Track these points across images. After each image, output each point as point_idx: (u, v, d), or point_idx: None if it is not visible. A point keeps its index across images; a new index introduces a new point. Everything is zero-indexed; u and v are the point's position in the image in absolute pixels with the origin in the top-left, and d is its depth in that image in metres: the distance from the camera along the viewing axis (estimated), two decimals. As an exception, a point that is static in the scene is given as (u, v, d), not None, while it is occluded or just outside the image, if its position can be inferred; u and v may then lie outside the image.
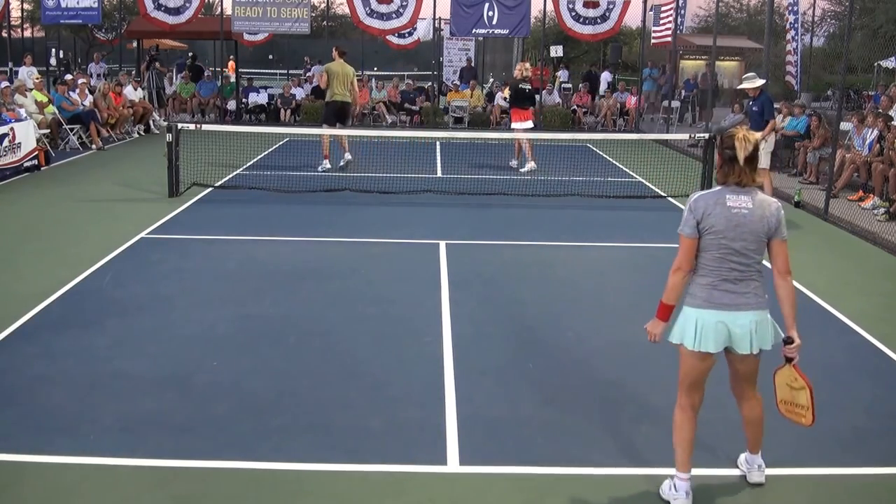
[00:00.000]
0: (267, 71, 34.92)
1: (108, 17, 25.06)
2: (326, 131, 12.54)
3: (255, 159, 13.60)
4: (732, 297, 3.48)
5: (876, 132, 11.38)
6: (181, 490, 3.69)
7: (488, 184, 11.41)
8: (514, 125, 13.25)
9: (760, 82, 10.47)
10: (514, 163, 13.60)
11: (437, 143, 16.10)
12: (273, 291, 6.59)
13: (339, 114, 12.56)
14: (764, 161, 10.37)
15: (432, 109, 20.16)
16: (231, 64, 23.56)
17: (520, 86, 13.21)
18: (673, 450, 3.66)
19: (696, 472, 3.92)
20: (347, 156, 12.71)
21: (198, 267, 7.31)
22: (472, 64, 24.46)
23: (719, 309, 3.49)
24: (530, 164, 13.09)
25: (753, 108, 10.65)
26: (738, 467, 3.94)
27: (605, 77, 24.63)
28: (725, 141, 3.49)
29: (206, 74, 22.06)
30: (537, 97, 20.41)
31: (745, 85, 10.58)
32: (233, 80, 21.73)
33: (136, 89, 17.82)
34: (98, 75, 20.74)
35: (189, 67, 22.56)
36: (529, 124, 13.30)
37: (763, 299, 3.54)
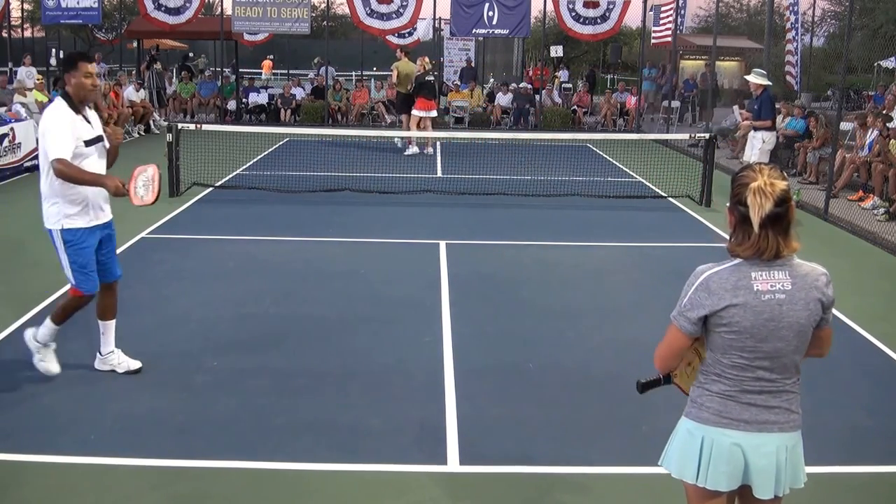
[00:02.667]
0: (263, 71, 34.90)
1: (108, 17, 25.08)
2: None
3: (255, 159, 13.60)
4: (755, 413, 2.46)
5: (876, 132, 11.38)
6: (181, 490, 3.69)
7: (488, 184, 11.41)
8: (416, 112, 14.54)
9: (766, 82, 10.44)
10: (409, 148, 14.87)
11: (437, 143, 16.09)
12: (273, 291, 6.59)
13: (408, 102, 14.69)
14: (759, 158, 10.29)
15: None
16: (267, 63, 23.60)
17: (426, 78, 14.69)
18: None
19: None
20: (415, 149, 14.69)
21: (198, 267, 7.31)
22: (472, 64, 24.45)
23: (738, 429, 2.46)
24: (413, 149, 14.69)
25: (754, 107, 10.68)
26: None
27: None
28: (736, 190, 2.40)
29: (206, 74, 22.06)
30: (536, 97, 20.50)
31: (750, 77, 10.58)
32: (233, 79, 21.74)
33: (137, 90, 17.81)
34: (100, 75, 20.73)
35: (181, 66, 22.57)
36: (433, 113, 14.98)
37: (798, 415, 2.53)
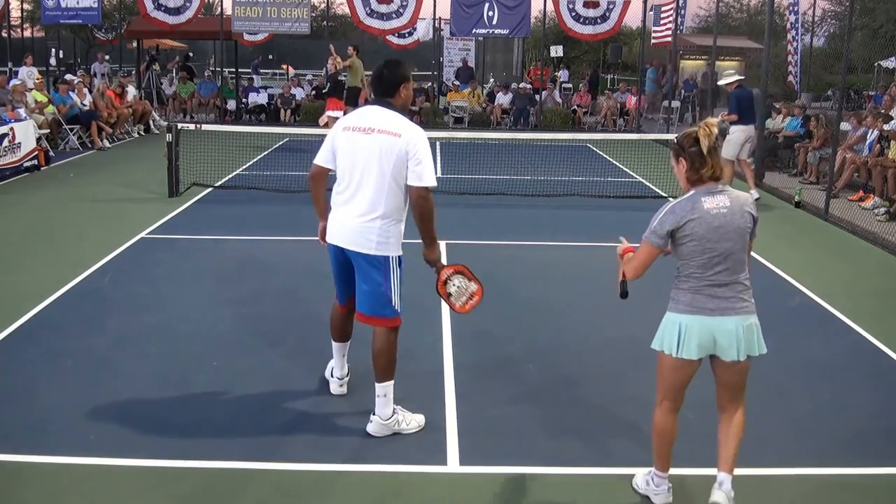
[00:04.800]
0: (267, 71, 34.91)
1: (108, 17, 25.07)
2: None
3: (255, 159, 13.60)
4: (718, 302, 3.35)
5: (876, 132, 11.38)
6: (181, 490, 3.69)
7: (488, 184, 11.41)
8: (328, 112, 14.43)
9: (733, 78, 11.05)
10: None
11: (437, 143, 16.09)
12: (273, 291, 6.59)
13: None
14: (726, 151, 10.66)
15: (432, 109, 20.16)
16: (285, 66, 23.66)
17: (339, 77, 14.87)
18: (653, 449, 3.64)
19: (691, 471, 3.93)
20: None
21: (198, 267, 7.31)
22: (469, 64, 24.43)
23: (703, 314, 3.37)
24: None
25: (731, 103, 11.20)
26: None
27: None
28: (686, 141, 3.35)
29: (206, 74, 22.07)
30: (537, 97, 20.50)
31: (721, 82, 11.42)
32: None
33: (125, 86, 17.72)
34: (102, 75, 20.75)
35: (182, 66, 22.57)
36: (341, 113, 14.72)
37: (750, 303, 3.41)
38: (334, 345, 4.64)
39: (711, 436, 4.28)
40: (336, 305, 4.53)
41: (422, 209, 4.14)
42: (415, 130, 4.11)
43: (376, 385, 4.21)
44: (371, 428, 4.22)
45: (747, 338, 3.39)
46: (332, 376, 4.74)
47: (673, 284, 3.50)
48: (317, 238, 4.48)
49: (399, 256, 4.29)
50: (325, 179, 4.33)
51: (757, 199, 10.89)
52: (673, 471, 3.93)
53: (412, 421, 4.29)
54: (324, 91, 14.90)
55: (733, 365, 3.43)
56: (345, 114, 13.76)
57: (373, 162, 4.06)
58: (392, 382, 4.22)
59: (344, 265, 4.30)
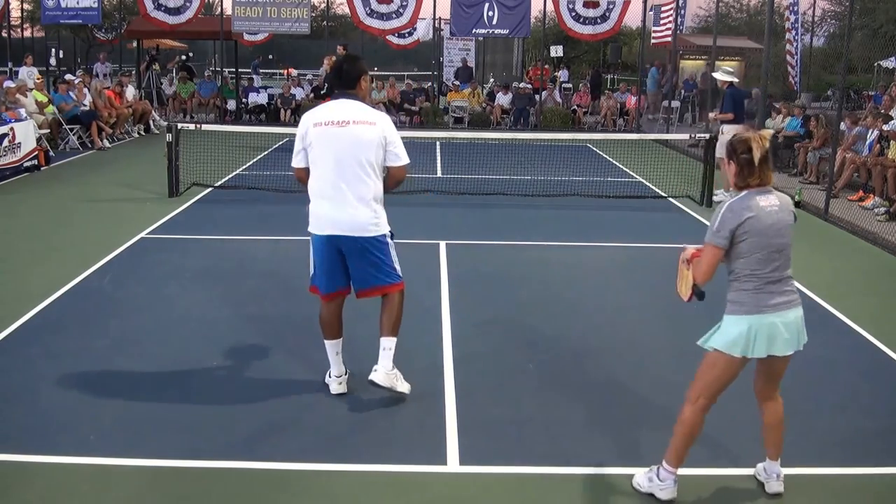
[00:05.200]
0: (267, 71, 34.93)
1: (108, 17, 25.07)
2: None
3: (255, 159, 13.60)
4: (778, 298, 3.47)
5: (876, 132, 11.38)
6: (181, 490, 3.69)
7: (488, 184, 11.41)
8: None
9: (731, 78, 11.20)
10: None
11: (437, 143, 16.09)
12: (273, 291, 6.59)
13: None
14: (721, 150, 10.64)
15: (432, 109, 20.16)
16: (290, 69, 23.73)
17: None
18: (672, 443, 3.65)
19: (696, 471, 3.93)
20: None
21: (198, 267, 7.31)
22: (469, 64, 24.42)
23: (770, 312, 3.45)
24: None
25: (726, 101, 11.28)
26: (755, 476, 3.87)
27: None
28: (739, 145, 3.46)
29: (206, 74, 22.07)
30: (537, 97, 20.49)
31: (717, 75, 11.48)
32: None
33: (125, 86, 17.73)
34: (104, 75, 20.76)
35: (182, 66, 22.58)
36: None
37: (798, 295, 3.56)
38: (329, 344, 4.69)
39: (712, 436, 4.29)
40: (324, 305, 4.62)
41: (399, 181, 4.57)
42: (385, 117, 4.50)
43: (385, 339, 4.52)
44: (378, 377, 4.47)
45: (801, 329, 3.56)
46: (330, 377, 4.75)
47: (730, 287, 3.54)
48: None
49: (390, 231, 4.59)
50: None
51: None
52: (679, 471, 3.92)
53: (403, 384, 4.60)
54: (322, 93, 14.88)
55: (786, 357, 3.56)
56: None
57: (355, 152, 4.33)
58: (396, 338, 4.56)
59: (337, 254, 4.47)
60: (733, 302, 3.53)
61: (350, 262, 4.49)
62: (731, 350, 3.49)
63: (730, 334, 3.50)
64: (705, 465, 3.99)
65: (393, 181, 4.53)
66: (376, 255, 4.48)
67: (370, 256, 4.47)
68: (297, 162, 4.53)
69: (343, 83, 4.47)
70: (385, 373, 4.48)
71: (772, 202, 3.46)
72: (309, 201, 4.52)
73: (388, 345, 4.52)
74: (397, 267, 4.62)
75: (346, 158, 4.34)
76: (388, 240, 4.57)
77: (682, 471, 3.93)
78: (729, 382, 3.58)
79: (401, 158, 4.46)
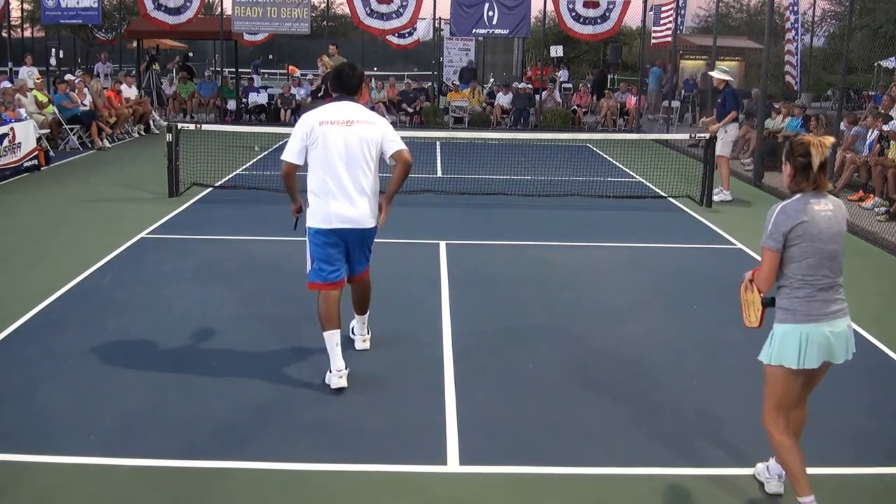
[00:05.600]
0: (268, 71, 34.93)
1: (108, 17, 25.08)
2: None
3: (255, 159, 13.60)
4: (830, 306, 3.38)
5: (876, 132, 11.38)
6: (181, 490, 3.69)
7: (488, 184, 11.41)
8: None
9: (728, 77, 11.17)
10: None
11: (437, 143, 16.10)
12: (273, 291, 6.59)
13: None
14: (721, 149, 10.90)
15: (432, 109, 20.16)
16: (292, 67, 23.83)
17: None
18: (789, 475, 3.51)
19: (695, 471, 3.93)
20: None
21: (198, 267, 7.31)
22: (472, 66, 24.42)
23: (821, 320, 3.37)
24: None
25: (718, 101, 11.27)
26: (754, 476, 3.85)
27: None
28: (797, 148, 3.40)
29: (206, 74, 22.08)
30: (537, 97, 20.50)
31: (714, 74, 11.38)
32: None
33: (130, 86, 17.77)
34: (105, 75, 20.76)
35: (182, 66, 22.58)
36: None
37: (846, 303, 3.47)
38: (329, 335, 4.78)
39: (713, 435, 4.29)
40: (326, 294, 4.79)
41: (408, 166, 4.82)
42: (380, 117, 5.01)
43: (362, 317, 5.32)
44: (366, 345, 5.34)
45: (850, 338, 3.47)
46: (331, 372, 4.77)
47: (780, 294, 3.45)
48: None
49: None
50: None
51: (729, 201, 10.92)
52: (677, 470, 3.94)
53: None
54: (319, 95, 14.92)
55: (829, 365, 3.48)
56: None
57: (361, 149, 4.70)
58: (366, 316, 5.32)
59: (342, 245, 4.81)
60: (784, 310, 3.43)
61: (351, 251, 4.87)
62: (786, 362, 3.39)
63: (782, 346, 3.40)
64: (706, 465, 3.99)
65: (403, 164, 4.79)
66: (369, 244, 5.00)
67: (368, 244, 4.97)
68: (292, 157, 4.71)
69: (347, 89, 4.83)
70: (367, 337, 5.37)
71: (826, 207, 3.38)
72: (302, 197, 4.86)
73: (365, 319, 5.36)
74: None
75: (354, 154, 4.68)
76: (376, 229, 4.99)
77: (682, 471, 3.94)
78: (796, 395, 3.48)
79: (400, 143, 4.82)
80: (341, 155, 4.65)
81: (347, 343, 5.45)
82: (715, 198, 10.75)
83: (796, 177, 3.41)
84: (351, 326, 5.41)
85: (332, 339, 4.76)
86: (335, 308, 4.79)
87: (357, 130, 4.68)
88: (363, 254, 4.97)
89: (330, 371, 4.77)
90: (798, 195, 3.42)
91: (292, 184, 4.86)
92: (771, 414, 3.49)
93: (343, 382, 4.73)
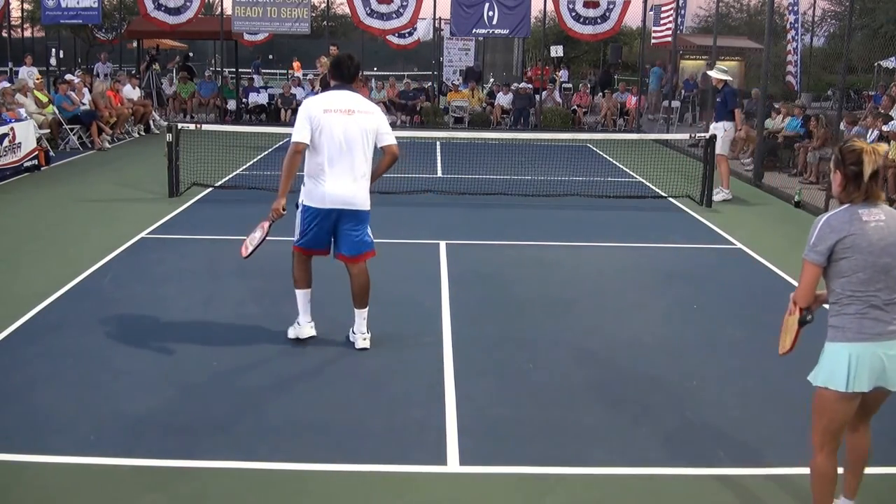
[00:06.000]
0: (268, 71, 34.93)
1: (108, 17, 25.07)
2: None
3: (255, 159, 13.60)
4: (883, 326, 3.10)
5: (876, 132, 11.37)
6: (181, 490, 3.69)
7: (488, 184, 11.41)
8: None
9: (728, 77, 11.25)
10: None
11: (438, 143, 16.10)
12: (273, 291, 6.59)
13: None
14: (721, 148, 10.96)
15: (432, 109, 20.16)
16: (297, 64, 23.83)
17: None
18: (812, 495, 3.34)
19: (695, 471, 3.93)
20: None
21: (198, 267, 7.31)
22: (479, 68, 24.41)
23: (873, 340, 3.09)
24: None
25: (717, 100, 11.33)
26: None
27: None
28: (849, 156, 3.14)
29: (206, 74, 22.07)
30: (537, 97, 20.50)
31: (713, 73, 11.43)
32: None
33: (133, 87, 17.80)
34: (105, 75, 20.75)
35: (182, 66, 22.58)
36: None
37: None
38: (302, 293, 5.40)
39: (713, 435, 4.29)
40: (300, 256, 5.37)
41: (395, 158, 5.28)
42: (377, 107, 5.29)
43: (362, 311, 5.34)
44: (367, 343, 5.34)
45: None
46: (300, 325, 5.38)
47: (830, 310, 3.22)
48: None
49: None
50: None
51: (729, 200, 10.93)
52: (677, 470, 3.94)
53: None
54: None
55: (886, 393, 3.23)
56: None
57: (360, 136, 5.05)
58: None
59: (331, 224, 5.22)
60: (834, 327, 3.19)
61: (342, 230, 5.22)
62: (834, 385, 3.14)
63: (830, 366, 3.16)
64: (706, 465, 3.99)
65: (390, 157, 5.24)
66: (362, 227, 5.26)
67: (361, 226, 5.25)
68: (303, 137, 5.05)
69: (345, 77, 5.19)
70: (367, 336, 5.38)
71: (878, 217, 3.11)
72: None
73: (365, 314, 5.39)
74: (371, 237, 5.38)
75: (353, 141, 5.03)
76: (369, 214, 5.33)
77: (682, 471, 3.94)
78: (847, 419, 3.24)
79: (393, 138, 5.23)
80: (341, 141, 5.01)
81: (349, 344, 5.46)
82: (715, 197, 10.76)
83: (847, 186, 3.15)
84: (350, 330, 5.46)
85: (304, 296, 5.40)
86: (307, 271, 5.38)
87: (357, 119, 5.04)
88: (355, 236, 5.22)
89: (298, 323, 5.41)
90: (846, 205, 3.17)
91: (296, 162, 5.12)
92: (817, 436, 3.25)
93: (313, 332, 5.38)
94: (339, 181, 5.07)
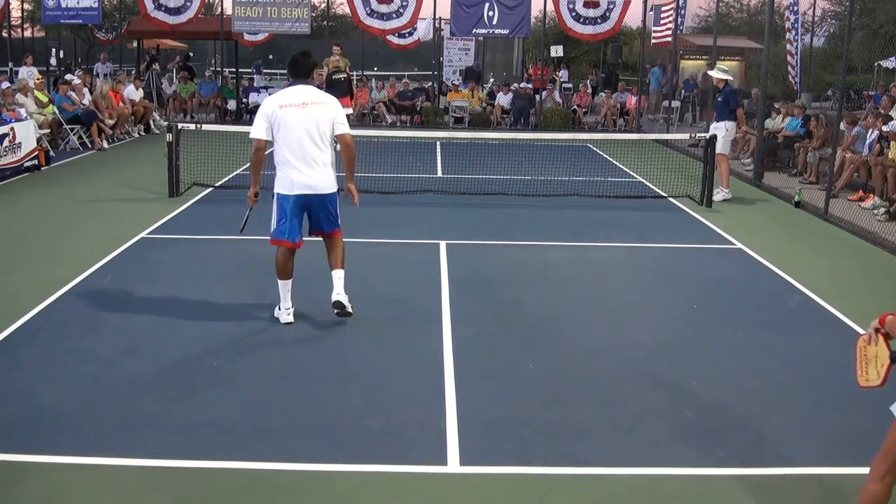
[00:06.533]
0: (269, 71, 34.90)
1: (108, 17, 25.06)
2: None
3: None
4: None
5: (876, 132, 11.38)
6: (181, 490, 3.69)
7: (488, 184, 11.41)
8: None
9: (729, 77, 11.32)
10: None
11: (437, 143, 16.10)
12: (273, 291, 6.57)
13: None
14: (722, 147, 11.01)
15: (432, 109, 20.16)
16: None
17: (333, 76, 15.00)
18: None
19: (695, 471, 3.93)
20: None
21: (198, 267, 7.31)
22: (479, 68, 24.40)
23: None
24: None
25: (718, 99, 11.35)
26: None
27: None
28: None
29: (206, 74, 22.07)
30: (537, 97, 20.51)
31: (713, 73, 11.49)
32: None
33: (137, 88, 17.81)
34: (105, 75, 20.75)
35: (182, 66, 22.58)
36: (348, 110, 15.47)
37: None
38: (283, 283, 5.79)
39: (713, 435, 4.29)
40: (283, 251, 5.74)
41: (350, 149, 5.70)
42: (333, 98, 5.74)
43: (339, 271, 5.77)
44: (344, 299, 5.72)
45: None
46: (280, 310, 5.81)
47: None
48: (317, 238, 5.42)
49: (338, 188, 5.78)
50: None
51: (729, 199, 10.94)
52: (677, 470, 3.94)
53: (350, 306, 5.80)
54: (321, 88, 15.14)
55: None
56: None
57: (314, 126, 5.53)
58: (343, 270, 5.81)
59: (301, 210, 5.69)
60: None
61: (313, 213, 5.72)
62: None
63: None
64: (706, 465, 3.99)
65: (345, 146, 5.67)
66: (331, 207, 5.74)
67: (329, 207, 5.72)
68: (260, 134, 5.60)
69: (301, 73, 5.68)
70: (345, 294, 5.73)
71: None
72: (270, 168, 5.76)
73: (342, 275, 5.80)
74: (338, 216, 5.83)
75: (310, 132, 5.52)
76: (337, 195, 5.78)
77: (682, 471, 3.94)
78: None
79: (346, 127, 5.64)
80: (299, 133, 5.50)
81: (349, 345, 5.45)
82: (715, 197, 10.77)
83: None
84: (332, 301, 5.77)
85: (285, 286, 5.79)
86: (289, 263, 5.75)
87: (310, 111, 5.52)
88: (327, 217, 5.73)
89: (279, 308, 5.83)
90: None
91: (261, 158, 5.69)
92: (884, 467, 3.07)
93: (291, 318, 5.78)
94: (303, 170, 5.56)
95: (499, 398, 4.71)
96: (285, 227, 5.64)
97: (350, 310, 5.71)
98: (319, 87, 14.70)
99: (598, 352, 5.49)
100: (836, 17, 27.58)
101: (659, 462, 3.99)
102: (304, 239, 5.79)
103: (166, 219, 9.12)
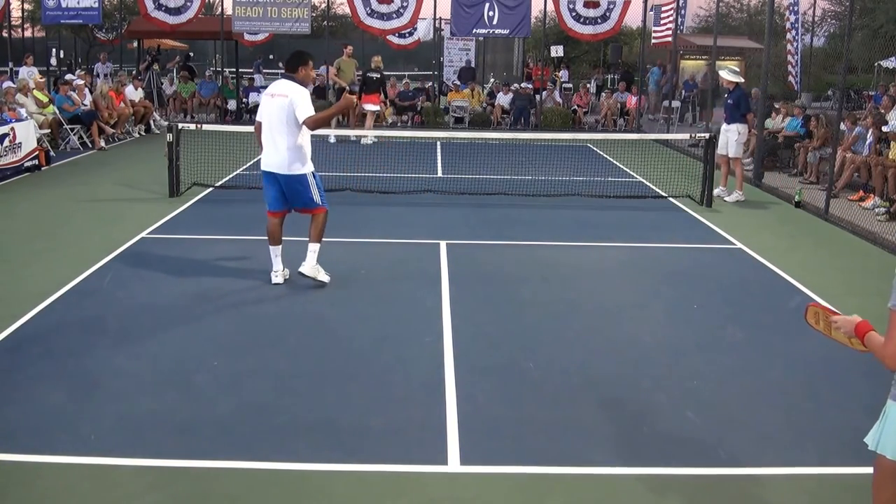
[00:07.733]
0: (270, 71, 34.90)
1: (108, 17, 25.07)
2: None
3: (255, 159, 13.57)
4: None
5: (873, 134, 11.38)
6: (181, 490, 3.69)
7: (488, 184, 11.41)
8: (365, 106, 16.37)
9: (739, 79, 11.35)
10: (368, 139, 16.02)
11: (438, 143, 16.10)
12: (273, 291, 6.59)
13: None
14: (736, 151, 11.16)
15: (432, 109, 20.16)
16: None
17: (368, 74, 16.60)
18: None
19: (695, 471, 3.93)
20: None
21: (198, 267, 7.31)
22: (471, 65, 24.41)
23: None
24: (370, 139, 15.96)
25: (728, 101, 11.37)
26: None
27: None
28: None
29: (207, 74, 22.06)
30: (537, 97, 20.53)
31: (723, 74, 11.49)
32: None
33: (136, 89, 17.81)
34: (105, 75, 20.75)
35: (182, 66, 22.58)
36: (377, 107, 16.82)
37: None
38: (273, 248, 6.63)
39: (713, 435, 4.29)
40: (270, 219, 6.57)
41: (310, 125, 6.31)
42: (297, 90, 6.31)
43: (313, 244, 6.49)
44: (305, 268, 6.49)
45: None
46: (272, 272, 6.62)
47: None
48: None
49: (312, 171, 6.51)
50: None
51: (739, 201, 10.96)
52: (677, 470, 3.94)
53: (324, 275, 6.58)
54: (358, 88, 16.66)
55: None
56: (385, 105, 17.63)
57: (276, 114, 6.32)
58: (319, 245, 6.53)
59: (275, 183, 6.47)
60: None
61: (284, 190, 6.46)
62: (884, 449, 2.74)
63: (883, 429, 2.76)
64: (706, 465, 3.99)
65: (308, 126, 6.30)
66: (298, 187, 6.41)
67: (295, 186, 6.42)
68: (258, 117, 6.58)
69: (287, 68, 6.51)
70: (310, 266, 6.49)
71: None
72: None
73: (313, 248, 6.50)
74: (316, 197, 6.49)
75: (275, 118, 6.32)
76: (310, 178, 6.45)
77: (682, 471, 3.94)
78: None
79: (304, 114, 6.20)
80: (269, 119, 6.36)
81: (349, 346, 5.45)
82: (729, 199, 10.85)
83: None
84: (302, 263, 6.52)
85: (275, 251, 6.63)
86: (276, 230, 6.59)
87: (276, 101, 6.31)
88: (297, 195, 6.45)
89: (272, 271, 6.63)
90: None
91: (257, 134, 6.58)
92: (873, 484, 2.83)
93: (280, 279, 6.62)
94: (269, 150, 6.40)
95: (499, 398, 4.71)
96: (267, 198, 6.55)
97: (319, 279, 6.49)
98: (319, 86, 14.89)
99: (598, 351, 5.49)
100: (836, 17, 27.60)
101: (659, 462, 3.99)
102: (296, 240, 6.39)
103: (166, 219, 9.12)
